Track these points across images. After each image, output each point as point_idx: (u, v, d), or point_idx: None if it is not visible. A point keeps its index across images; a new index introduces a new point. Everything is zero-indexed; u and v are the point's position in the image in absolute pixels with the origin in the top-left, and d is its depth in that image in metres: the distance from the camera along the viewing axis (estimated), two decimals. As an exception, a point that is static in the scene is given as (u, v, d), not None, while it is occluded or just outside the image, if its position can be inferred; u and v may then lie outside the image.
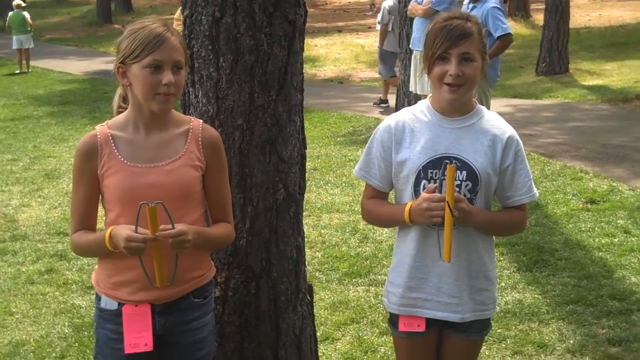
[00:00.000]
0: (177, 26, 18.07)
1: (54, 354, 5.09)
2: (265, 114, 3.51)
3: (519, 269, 6.30)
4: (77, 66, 21.84)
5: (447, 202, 2.93)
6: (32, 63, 21.92)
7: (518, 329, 5.27)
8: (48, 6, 39.48)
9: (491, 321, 3.36)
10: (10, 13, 21.89)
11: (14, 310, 5.80)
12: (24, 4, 22.24)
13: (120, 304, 3.03)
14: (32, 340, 5.29)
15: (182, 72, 2.94)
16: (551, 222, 7.39)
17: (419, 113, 3.18)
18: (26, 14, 21.91)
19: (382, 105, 14.20)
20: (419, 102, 3.25)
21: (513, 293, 5.83)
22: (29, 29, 21.67)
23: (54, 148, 11.59)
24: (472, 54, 3.04)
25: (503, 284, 5.96)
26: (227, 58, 3.46)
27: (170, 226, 2.82)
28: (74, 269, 6.54)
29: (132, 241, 2.79)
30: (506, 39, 8.23)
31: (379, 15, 14.77)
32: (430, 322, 3.21)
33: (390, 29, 14.12)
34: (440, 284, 3.16)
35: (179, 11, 18.43)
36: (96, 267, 3.15)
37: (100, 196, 3.04)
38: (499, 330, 5.17)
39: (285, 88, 3.55)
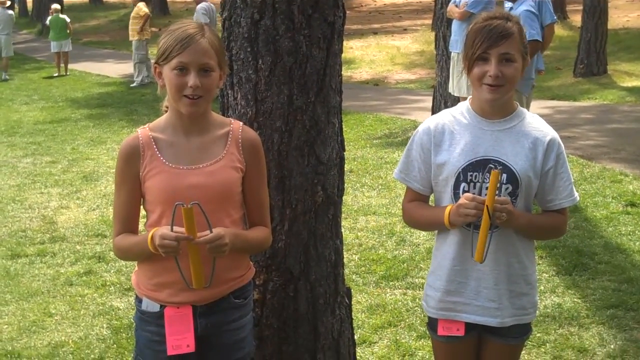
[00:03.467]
0: (134, 25, 18.38)
1: (92, 356, 5.11)
2: (304, 116, 3.50)
3: (558, 273, 6.23)
4: (114, 69, 22.04)
5: (487, 205, 2.90)
6: (70, 66, 22.17)
7: (558, 333, 5.21)
8: (85, 9, 39.88)
9: (531, 326, 3.32)
10: (50, 17, 22.08)
11: (53, 311, 5.84)
12: (59, 8, 22.46)
13: (162, 306, 3.03)
14: (70, 341, 5.32)
15: (213, 75, 2.93)
16: (591, 225, 7.30)
17: (459, 115, 3.16)
18: (66, 18, 22.13)
19: None
20: (459, 104, 3.22)
21: (552, 297, 5.77)
22: (68, 32, 21.88)
23: (92, 150, 11.68)
24: (513, 55, 3.00)
25: (542, 287, 5.89)
26: (266, 60, 3.46)
27: (207, 232, 2.82)
28: (112, 271, 6.58)
29: (165, 239, 2.79)
30: (533, 45, 8.13)
31: None
32: (469, 327, 3.18)
33: None
34: (479, 287, 3.13)
35: (135, 8, 18.70)
36: (136, 269, 3.16)
37: (142, 199, 3.05)
38: (538, 335, 5.12)
39: (324, 90, 3.54)
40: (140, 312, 3.12)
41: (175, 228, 2.81)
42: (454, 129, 3.12)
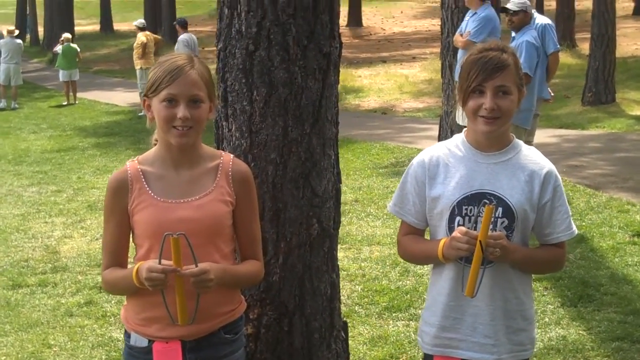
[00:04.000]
0: (135, 54, 18.69)
1: (90, 388, 5.06)
2: (299, 148, 3.47)
3: (563, 304, 6.15)
4: (123, 97, 22.09)
5: (479, 240, 2.84)
6: (80, 95, 22.24)
7: (562, 366, 5.13)
8: (96, 38, 40.13)
9: (529, 363, 3.25)
10: (61, 46, 22.19)
11: (52, 342, 5.78)
12: (70, 37, 22.60)
13: (151, 341, 2.98)
14: (68, 373, 5.27)
15: (202, 106, 2.89)
16: (597, 256, 7.22)
17: (454, 147, 3.11)
18: (77, 48, 22.26)
19: None
20: (454, 137, 3.18)
21: (557, 329, 5.69)
22: (78, 61, 22.00)
23: (97, 179, 11.67)
24: (508, 87, 2.96)
25: (547, 319, 5.82)
26: (261, 91, 3.44)
27: (193, 265, 2.77)
28: (113, 302, 6.53)
29: (152, 271, 2.75)
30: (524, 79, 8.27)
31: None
32: (465, 363, 3.12)
33: None
34: (475, 324, 3.06)
35: (136, 39, 18.93)
36: (125, 303, 3.12)
37: (131, 232, 3.01)
38: (542, 368, 5.05)
39: (320, 121, 3.51)
40: (129, 347, 3.06)
41: (163, 261, 2.77)
42: (448, 162, 3.07)
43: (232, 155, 3.10)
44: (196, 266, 2.78)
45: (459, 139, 3.13)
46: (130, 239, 3.06)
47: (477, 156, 3.05)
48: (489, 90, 2.94)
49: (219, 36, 3.59)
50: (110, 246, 3.03)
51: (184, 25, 18.25)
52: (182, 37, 16.59)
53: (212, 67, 3.66)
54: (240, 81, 3.47)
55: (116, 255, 3.02)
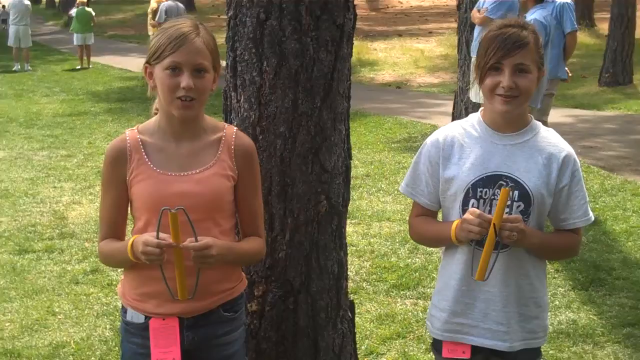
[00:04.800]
0: (150, 21, 18.33)
1: (93, 358, 5.01)
2: (309, 122, 3.36)
3: (574, 288, 6.06)
4: (137, 63, 21.88)
5: (494, 223, 2.75)
6: (93, 59, 22.21)
7: (571, 351, 5.04)
8: (112, 2, 39.98)
9: (541, 351, 3.16)
10: (76, 10, 22.10)
11: (57, 310, 5.74)
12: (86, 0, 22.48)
13: (147, 317, 2.90)
14: (72, 342, 5.22)
15: (207, 76, 2.79)
16: (609, 240, 7.12)
17: (469, 127, 3.00)
18: (92, 11, 22.16)
19: None
20: (470, 116, 3.06)
21: (567, 312, 5.60)
22: (92, 25, 21.91)
23: (108, 145, 11.57)
24: (527, 65, 2.84)
25: (557, 302, 5.73)
26: (271, 62, 3.32)
27: (192, 239, 2.69)
28: (119, 270, 6.41)
29: (148, 245, 2.67)
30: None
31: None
32: (475, 350, 3.02)
33: None
34: (487, 309, 2.97)
35: (150, 5, 18.59)
36: (122, 277, 3.04)
37: (129, 203, 2.92)
38: (551, 352, 4.95)
39: (331, 95, 3.39)
40: (125, 323, 2.99)
41: (162, 235, 2.68)
42: (463, 142, 2.97)
43: (235, 128, 3.00)
44: (196, 239, 2.69)
45: (474, 118, 3.03)
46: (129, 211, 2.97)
47: (494, 137, 2.94)
48: (507, 68, 2.83)
49: (229, 3, 3.46)
50: (107, 217, 2.94)
51: None
52: (167, 3, 16.28)
53: (221, 37, 3.56)
54: (250, 51, 3.35)
55: (113, 227, 2.94)
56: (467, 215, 2.83)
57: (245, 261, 3.11)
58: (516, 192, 2.86)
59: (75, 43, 21.87)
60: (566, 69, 8.99)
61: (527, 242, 2.87)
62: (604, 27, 21.60)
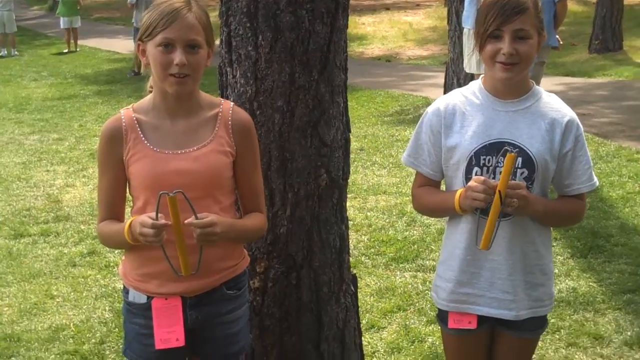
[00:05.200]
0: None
1: (93, 340, 4.98)
2: (307, 95, 3.31)
3: (573, 255, 6.06)
4: (124, 45, 21.84)
5: (499, 190, 2.71)
6: (80, 42, 22.06)
7: (572, 319, 5.04)
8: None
9: (547, 319, 3.15)
10: (61, -7, 21.90)
11: (55, 293, 5.71)
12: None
13: (150, 298, 2.87)
14: (71, 324, 5.20)
15: (200, 52, 2.74)
16: (606, 206, 7.11)
17: (470, 95, 2.96)
18: (78, -5, 21.97)
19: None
20: (471, 83, 3.03)
21: (567, 281, 5.60)
22: (79, 8, 21.73)
23: (99, 127, 11.43)
24: (527, 31, 2.80)
25: (557, 270, 5.72)
26: (266, 36, 3.27)
27: (198, 216, 2.65)
28: (117, 252, 6.41)
29: (145, 226, 2.63)
30: None
31: None
32: (482, 319, 3.01)
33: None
34: (493, 278, 2.94)
35: None
36: (123, 257, 3.00)
37: (127, 183, 2.88)
38: (552, 320, 4.94)
39: (328, 67, 3.35)
40: (127, 304, 2.96)
41: (160, 216, 2.64)
42: (465, 110, 2.93)
43: (232, 104, 2.95)
44: (196, 217, 2.65)
45: (475, 85, 2.99)
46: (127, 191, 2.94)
47: (495, 104, 2.91)
48: (507, 35, 2.79)
49: (223, -22, 3.42)
50: (105, 198, 2.89)
51: None
52: None
53: (214, 13, 3.51)
54: (245, 25, 3.30)
55: (112, 207, 2.89)
56: (471, 183, 2.80)
57: (247, 238, 3.08)
58: (520, 159, 2.84)
59: (62, 26, 21.66)
60: (557, 36, 8.95)
61: (531, 209, 2.84)
62: (592, -6, 21.57)
